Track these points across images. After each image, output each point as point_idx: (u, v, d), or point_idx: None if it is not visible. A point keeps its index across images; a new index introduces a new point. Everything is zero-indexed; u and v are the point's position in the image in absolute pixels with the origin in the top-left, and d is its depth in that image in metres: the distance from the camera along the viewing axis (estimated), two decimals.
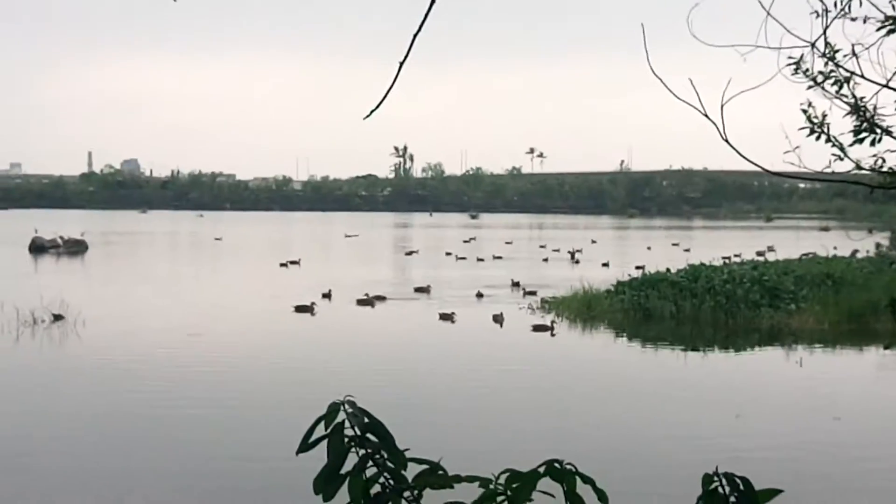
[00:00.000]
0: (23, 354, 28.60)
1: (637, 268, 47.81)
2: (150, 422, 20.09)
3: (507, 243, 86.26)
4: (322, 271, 54.84)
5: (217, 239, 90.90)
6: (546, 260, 65.75)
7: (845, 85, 6.75)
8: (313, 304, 37.75)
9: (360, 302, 39.92)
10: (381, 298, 40.52)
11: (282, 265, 59.72)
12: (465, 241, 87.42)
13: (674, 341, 32.34)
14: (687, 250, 69.09)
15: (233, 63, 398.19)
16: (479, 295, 42.39)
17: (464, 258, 66.12)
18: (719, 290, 35.94)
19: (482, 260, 65.44)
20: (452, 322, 34.78)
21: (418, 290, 44.10)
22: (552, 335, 32.27)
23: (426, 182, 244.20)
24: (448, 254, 69.26)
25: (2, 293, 38.47)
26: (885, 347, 31.08)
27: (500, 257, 66.55)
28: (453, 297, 41.86)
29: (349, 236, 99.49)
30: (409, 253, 73.54)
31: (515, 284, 46.09)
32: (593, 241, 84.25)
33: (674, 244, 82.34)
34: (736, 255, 57.91)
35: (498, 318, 34.81)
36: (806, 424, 20.42)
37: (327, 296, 41.37)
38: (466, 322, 34.76)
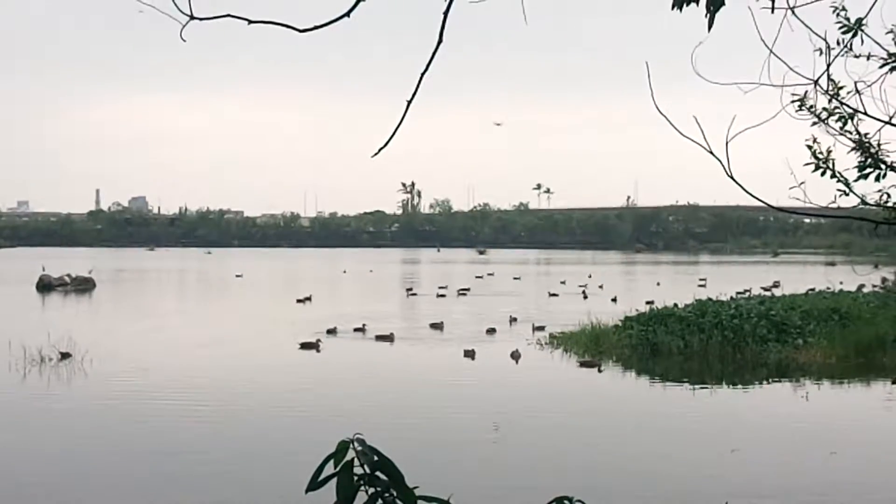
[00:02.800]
0: (30, 392, 28.56)
1: (647, 303, 47.71)
2: (158, 460, 20.04)
3: (516, 279, 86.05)
4: (339, 307, 54.76)
5: (238, 276, 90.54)
6: (556, 294, 65.48)
7: (849, 121, 6.79)
8: (318, 341, 37.90)
9: (379, 338, 40.22)
10: (395, 336, 40.64)
11: (299, 301, 59.74)
12: (478, 277, 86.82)
13: (682, 376, 32.25)
14: (703, 286, 68.21)
15: (240, 100, 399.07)
16: (491, 331, 42.38)
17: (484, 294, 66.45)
18: (727, 324, 35.85)
19: (514, 295, 65.56)
20: (473, 359, 34.79)
21: (433, 326, 44.33)
22: (599, 371, 32.31)
23: (434, 218, 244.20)
24: (464, 289, 69.59)
25: (9, 331, 38.52)
26: (893, 382, 30.92)
27: (556, 294, 65.97)
28: (466, 333, 41.79)
29: (345, 271, 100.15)
30: (410, 290, 73.01)
31: (513, 320, 46.13)
32: (589, 276, 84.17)
33: (701, 279, 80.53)
34: (746, 290, 57.67)
35: (515, 355, 34.85)
36: (808, 459, 20.36)
37: (360, 329, 42.36)
38: (482, 358, 34.78)
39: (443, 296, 66.48)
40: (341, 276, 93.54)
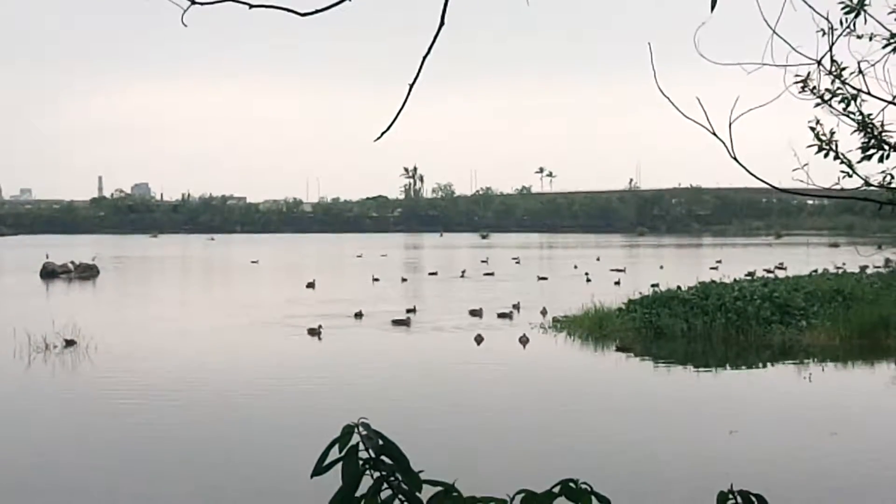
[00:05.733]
0: (35, 380, 28.63)
1: (652, 286, 47.59)
2: (163, 446, 20.11)
3: (515, 259, 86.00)
4: (357, 292, 54.87)
5: (254, 262, 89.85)
6: (545, 278, 65.27)
7: (852, 102, 6.77)
8: (320, 326, 37.84)
9: (396, 322, 40.28)
10: (411, 320, 40.89)
11: (308, 286, 59.55)
12: (483, 262, 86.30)
13: (686, 359, 32.24)
14: (714, 268, 67.57)
15: (242, 86, 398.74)
16: (502, 315, 42.26)
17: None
18: (730, 307, 35.79)
19: (544, 278, 65.64)
20: (479, 344, 34.72)
21: (472, 312, 43.12)
22: (635, 356, 32.36)
23: (436, 202, 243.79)
24: (489, 273, 70.18)
25: (14, 319, 38.58)
26: None
27: (545, 278, 65.73)
28: (485, 317, 41.62)
29: (361, 255, 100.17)
30: (434, 273, 72.80)
31: (515, 307, 45.48)
32: (598, 259, 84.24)
33: (717, 261, 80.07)
34: (751, 273, 57.45)
35: (522, 340, 34.87)
36: (811, 440, 20.37)
37: (412, 311, 43.06)
38: (490, 343, 34.71)
39: (463, 272, 68.78)
40: (357, 261, 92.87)
